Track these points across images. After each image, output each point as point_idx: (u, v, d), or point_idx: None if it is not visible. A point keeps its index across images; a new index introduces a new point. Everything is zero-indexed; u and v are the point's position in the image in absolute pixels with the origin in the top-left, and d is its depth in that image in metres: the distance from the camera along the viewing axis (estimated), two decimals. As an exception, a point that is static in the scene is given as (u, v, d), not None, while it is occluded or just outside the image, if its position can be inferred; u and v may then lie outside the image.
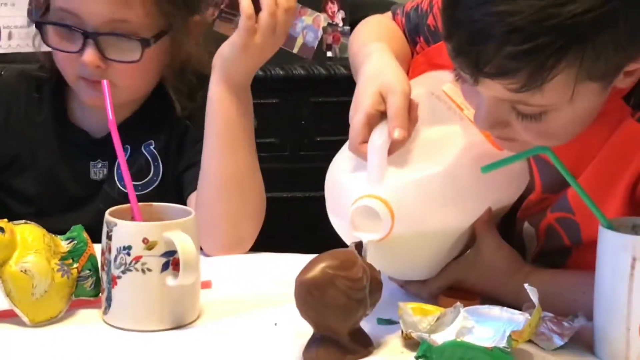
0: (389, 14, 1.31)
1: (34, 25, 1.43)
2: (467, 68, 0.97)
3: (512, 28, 0.92)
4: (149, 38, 1.35)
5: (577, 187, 0.99)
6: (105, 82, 1.10)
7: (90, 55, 1.33)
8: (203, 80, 1.39)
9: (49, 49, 1.44)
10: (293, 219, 1.82)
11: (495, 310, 1.02)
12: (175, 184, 1.47)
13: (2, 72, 1.64)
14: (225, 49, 1.28)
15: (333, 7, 2.25)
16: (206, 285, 1.15)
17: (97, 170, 1.48)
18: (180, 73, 1.45)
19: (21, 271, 1.04)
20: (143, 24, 1.36)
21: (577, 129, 1.06)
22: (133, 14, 1.33)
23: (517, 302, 1.05)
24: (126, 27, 1.34)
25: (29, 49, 1.50)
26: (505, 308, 1.04)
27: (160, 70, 1.44)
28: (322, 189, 1.26)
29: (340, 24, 2.29)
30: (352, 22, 2.29)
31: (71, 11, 1.34)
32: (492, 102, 1.01)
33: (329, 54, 2.27)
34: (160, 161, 1.47)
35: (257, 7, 1.26)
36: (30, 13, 1.51)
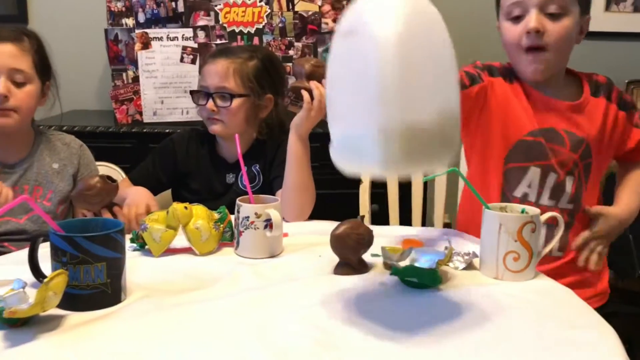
0: None
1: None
2: None
3: None
4: (235, 94, 1.89)
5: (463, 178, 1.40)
6: (237, 135, 1.52)
7: (210, 104, 1.92)
8: (280, 130, 1.91)
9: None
10: (329, 206, 1.86)
11: (430, 250, 1.34)
12: (269, 186, 1.92)
13: (179, 131, 2.12)
14: (296, 119, 1.71)
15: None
16: (285, 235, 1.50)
17: (230, 179, 2.01)
18: (262, 125, 1.96)
19: (195, 228, 1.42)
20: (234, 89, 1.91)
21: (568, 44, 1.45)
22: (230, 84, 1.92)
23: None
24: (226, 90, 1.91)
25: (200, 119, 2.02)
26: (435, 249, 1.32)
27: (247, 118, 1.91)
28: (339, 188, 1.62)
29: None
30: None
31: (202, 84, 1.86)
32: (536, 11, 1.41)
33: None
34: (261, 175, 1.96)
35: (311, 94, 1.64)
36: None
